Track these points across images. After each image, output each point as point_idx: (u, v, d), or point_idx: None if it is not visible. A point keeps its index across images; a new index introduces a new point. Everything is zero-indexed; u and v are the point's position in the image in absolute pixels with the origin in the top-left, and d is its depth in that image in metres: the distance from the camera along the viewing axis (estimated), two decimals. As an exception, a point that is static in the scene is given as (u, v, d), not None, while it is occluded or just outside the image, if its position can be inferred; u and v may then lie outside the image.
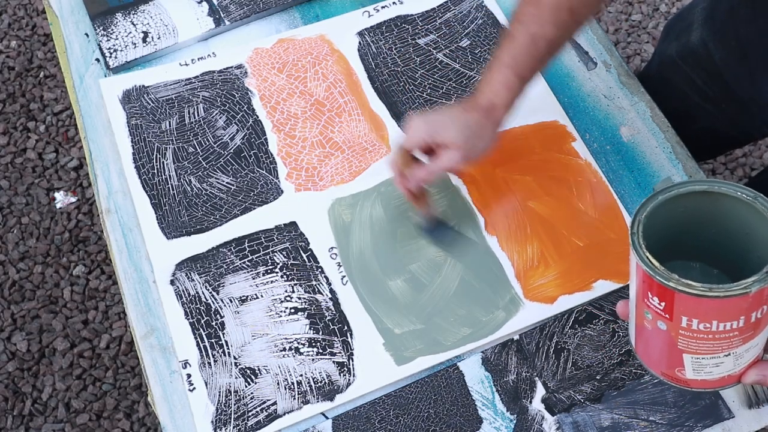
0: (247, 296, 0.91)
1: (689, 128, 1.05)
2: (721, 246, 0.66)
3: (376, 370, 0.86)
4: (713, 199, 0.62)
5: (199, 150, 1.01)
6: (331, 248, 0.94)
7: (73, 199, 1.83)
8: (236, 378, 0.86)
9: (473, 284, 0.91)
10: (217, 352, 0.88)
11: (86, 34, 1.11)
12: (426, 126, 0.85)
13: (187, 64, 1.07)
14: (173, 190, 0.98)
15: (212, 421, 0.84)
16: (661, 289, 0.58)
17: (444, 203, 0.96)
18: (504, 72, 0.85)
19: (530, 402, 0.85)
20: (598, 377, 0.86)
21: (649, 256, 0.59)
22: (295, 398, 0.85)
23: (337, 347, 0.88)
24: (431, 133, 0.84)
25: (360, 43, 1.09)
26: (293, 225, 0.95)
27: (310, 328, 0.89)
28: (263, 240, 0.94)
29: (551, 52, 0.85)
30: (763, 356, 0.65)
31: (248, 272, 0.92)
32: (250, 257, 0.93)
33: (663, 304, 0.59)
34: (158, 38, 1.09)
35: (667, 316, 0.60)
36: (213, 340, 0.88)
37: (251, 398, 0.85)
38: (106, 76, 1.07)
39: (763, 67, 0.91)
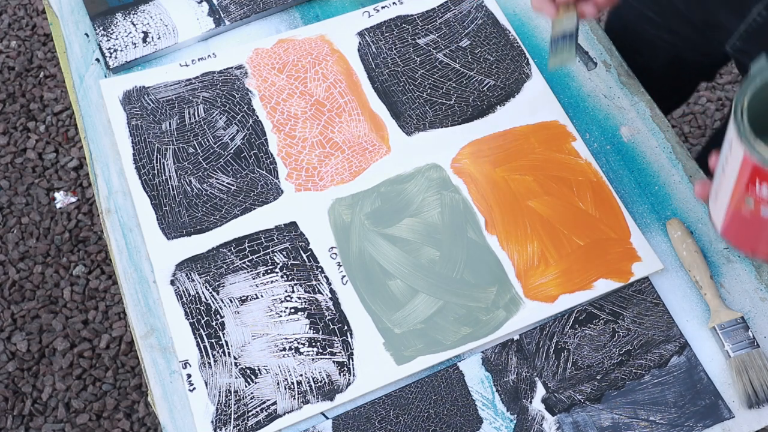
0: (247, 296, 0.91)
1: (655, 65, 1.07)
2: None
3: (376, 370, 0.86)
4: None
5: (199, 150, 1.01)
6: (331, 248, 0.94)
7: (73, 199, 1.83)
8: (236, 378, 0.86)
9: (473, 283, 0.91)
10: (217, 352, 0.88)
11: (86, 34, 1.11)
12: None
13: (187, 65, 1.07)
14: (173, 190, 0.98)
15: (212, 421, 0.84)
16: None
17: (448, 201, 0.96)
18: None
19: (530, 402, 0.85)
20: (598, 377, 0.86)
21: (762, 146, 0.57)
22: (295, 398, 0.85)
23: (337, 347, 0.88)
24: None
25: (360, 43, 1.09)
26: (293, 225, 0.95)
27: (310, 328, 0.89)
28: (263, 240, 0.94)
29: None
30: None
31: (248, 272, 0.92)
32: (250, 257, 0.93)
33: None
34: (158, 38, 1.09)
35: None
36: (213, 340, 0.88)
37: (251, 398, 0.85)
38: (106, 76, 1.07)
39: None
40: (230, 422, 0.84)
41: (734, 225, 0.64)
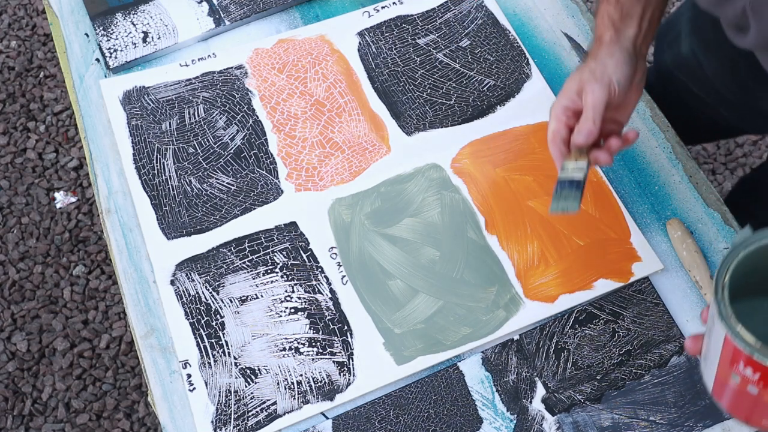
0: (247, 296, 0.91)
1: (690, 126, 1.05)
2: None
3: (376, 370, 0.86)
4: None
5: (199, 150, 1.01)
6: (331, 248, 0.94)
7: (73, 199, 1.83)
8: (236, 378, 0.86)
9: (473, 283, 0.91)
10: (217, 352, 0.88)
11: (86, 34, 1.11)
12: (563, 97, 0.84)
13: (187, 65, 1.07)
14: (173, 190, 0.98)
15: (212, 421, 0.84)
16: (758, 365, 0.54)
17: (445, 202, 0.96)
18: (601, 8, 0.86)
19: (530, 402, 0.85)
20: (598, 377, 0.86)
21: (743, 331, 0.55)
22: (295, 398, 0.85)
23: (337, 347, 0.88)
24: (570, 97, 0.83)
25: (360, 43, 1.09)
26: (293, 225, 0.95)
27: (310, 328, 0.89)
28: (263, 240, 0.94)
29: None
30: None
31: (248, 272, 0.92)
32: (250, 257, 0.93)
33: (758, 374, 0.55)
34: (158, 38, 1.09)
35: (762, 383, 0.56)
36: (213, 340, 0.88)
37: (251, 398, 0.85)
38: (106, 76, 1.07)
39: (753, 78, 0.91)
40: (230, 422, 0.84)
41: (723, 392, 0.62)
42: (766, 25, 0.77)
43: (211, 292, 0.91)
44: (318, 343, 0.88)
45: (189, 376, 0.86)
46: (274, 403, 0.85)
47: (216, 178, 0.99)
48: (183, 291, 0.91)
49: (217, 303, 0.90)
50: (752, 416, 0.61)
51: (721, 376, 0.61)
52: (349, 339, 0.88)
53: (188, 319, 0.89)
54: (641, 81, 0.86)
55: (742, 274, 0.59)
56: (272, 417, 0.84)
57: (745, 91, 0.99)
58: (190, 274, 0.92)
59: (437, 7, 1.12)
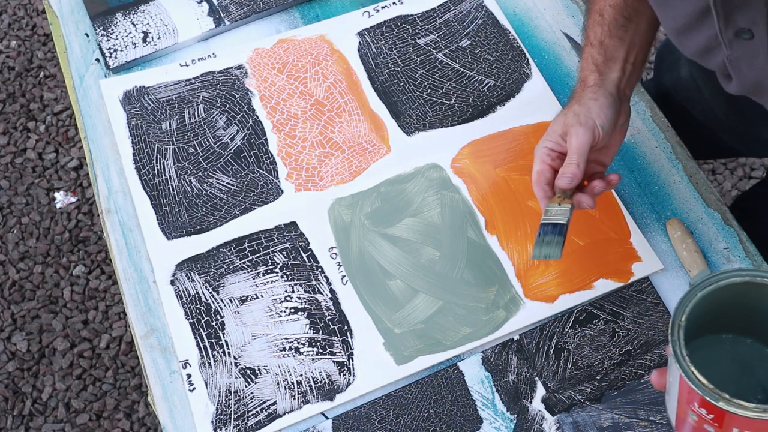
0: (247, 296, 0.91)
1: (690, 145, 1.05)
2: (753, 319, 0.64)
3: (376, 370, 0.86)
4: (755, 288, 0.60)
5: (199, 150, 1.01)
6: (331, 248, 0.94)
7: (73, 199, 1.83)
8: (236, 378, 0.86)
9: (473, 283, 0.91)
10: (217, 352, 0.88)
11: (86, 34, 1.11)
12: (547, 139, 0.85)
13: (187, 65, 1.07)
14: (173, 190, 0.98)
15: (212, 421, 0.84)
16: (711, 406, 0.55)
17: (445, 202, 0.96)
18: (586, 51, 0.87)
19: (530, 402, 0.85)
20: (598, 377, 0.86)
21: (695, 372, 0.56)
22: (295, 398, 0.85)
23: (337, 347, 0.88)
24: (555, 140, 0.84)
25: (360, 43, 1.09)
26: (293, 225, 0.95)
27: (310, 328, 0.89)
28: (263, 240, 0.94)
29: (626, 16, 0.86)
30: None
31: (248, 272, 0.92)
32: (250, 257, 0.93)
33: (712, 416, 0.56)
34: (158, 38, 1.09)
35: (716, 424, 0.57)
36: (213, 340, 0.88)
37: (251, 398, 0.85)
38: (106, 76, 1.07)
39: (750, 109, 0.91)
40: (230, 422, 0.84)
41: (683, 428, 0.63)
42: (745, 78, 0.79)
43: (211, 292, 0.91)
44: (318, 343, 0.88)
45: (189, 376, 0.86)
46: (274, 403, 0.85)
47: (216, 178, 0.99)
48: (183, 291, 0.91)
49: (217, 303, 0.90)
50: None
51: (681, 413, 0.61)
52: (349, 339, 0.88)
53: (188, 319, 0.89)
54: (625, 123, 0.88)
55: (701, 313, 0.60)
56: (272, 417, 0.84)
57: (743, 118, 1.00)
58: (190, 274, 0.92)
59: (437, 7, 1.12)
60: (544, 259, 0.81)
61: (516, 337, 0.88)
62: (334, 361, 0.87)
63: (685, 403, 0.59)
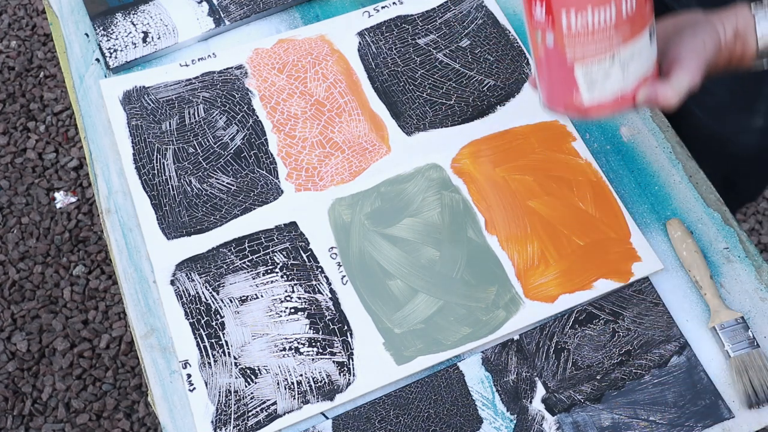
0: (247, 296, 0.91)
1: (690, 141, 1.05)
2: None
3: (376, 370, 0.86)
4: None
5: (199, 150, 1.01)
6: (331, 248, 0.94)
7: (73, 199, 1.83)
8: (236, 378, 0.86)
9: (473, 283, 0.91)
10: (217, 352, 0.88)
11: (86, 34, 1.11)
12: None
13: (187, 65, 1.07)
14: (173, 190, 0.98)
15: (212, 421, 0.84)
16: None
17: (444, 202, 0.96)
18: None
19: (530, 402, 0.85)
20: (598, 377, 0.86)
21: None
22: (295, 398, 0.85)
23: (337, 347, 0.88)
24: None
25: (360, 43, 1.09)
26: (293, 225, 0.95)
27: (310, 328, 0.89)
28: (263, 240, 0.94)
29: None
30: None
31: (248, 272, 0.92)
32: (250, 257, 0.93)
33: (543, 7, 0.64)
34: (158, 38, 1.09)
35: (549, 17, 0.63)
36: (213, 340, 0.88)
37: (251, 398, 0.85)
38: (106, 76, 1.07)
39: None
40: (230, 422, 0.84)
41: (542, 79, 0.70)
42: None
43: (211, 292, 0.91)
44: (318, 343, 0.88)
45: (189, 376, 0.86)
46: (274, 403, 0.85)
47: (216, 178, 0.99)
48: (183, 291, 0.91)
49: (217, 303, 0.90)
50: (565, 88, 0.69)
51: (535, 55, 0.69)
52: (349, 339, 0.88)
53: (188, 319, 0.89)
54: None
55: None
56: (272, 417, 0.84)
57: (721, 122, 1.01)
58: (190, 274, 0.92)
59: (437, 7, 1.12)
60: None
61: (516, 337, 0.88)
62: (334, 361, 0.87)
63: (531, 27, 0.66)
